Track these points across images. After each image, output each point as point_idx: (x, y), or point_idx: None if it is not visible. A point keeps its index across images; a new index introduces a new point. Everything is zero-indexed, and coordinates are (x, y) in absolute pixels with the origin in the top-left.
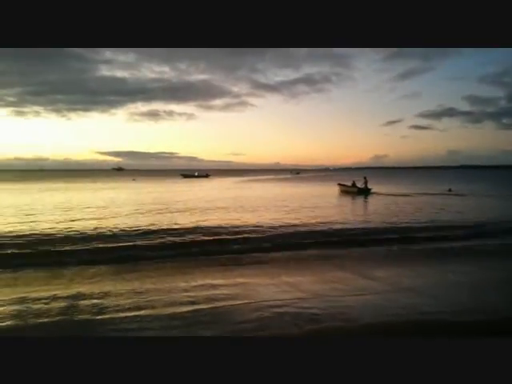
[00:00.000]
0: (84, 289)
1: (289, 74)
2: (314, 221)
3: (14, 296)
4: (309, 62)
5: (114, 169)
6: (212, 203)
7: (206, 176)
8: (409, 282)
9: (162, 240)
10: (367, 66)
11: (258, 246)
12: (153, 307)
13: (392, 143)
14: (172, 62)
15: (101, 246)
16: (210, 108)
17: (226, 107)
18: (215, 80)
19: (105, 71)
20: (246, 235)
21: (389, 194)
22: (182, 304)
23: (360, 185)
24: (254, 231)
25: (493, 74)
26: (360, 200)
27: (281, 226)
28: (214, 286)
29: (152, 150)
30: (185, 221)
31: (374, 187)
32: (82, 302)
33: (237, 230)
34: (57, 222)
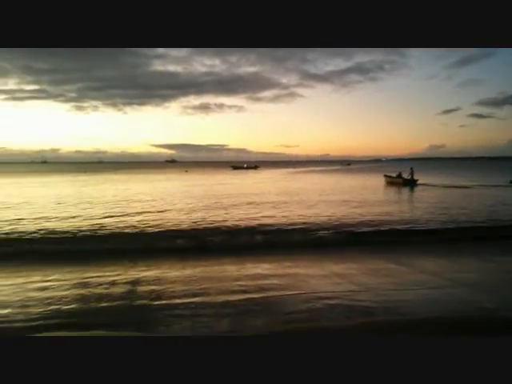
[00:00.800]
0: (143, 275)
1: (340, 63)
2: (361, 213)
3: (77, 281)
4: (361, 50)
5: (167, 161)
6: (266, 196)
7: (255, 167)
8: (468, 278)
9: (222, 231)
10: (423, 52)
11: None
12: (206, 294)
13: (449, 133)
14: (223, 55)
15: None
16: (259, 100)
17: (274, 99)
18: (264, 72)
19: (158, 66)
20: (298, 227)
21: (438, 186)
22: (233, 292)
23: (406, 176)
24: (304, 223)
25: None
26: (406, 191)
27: (330, 219)
28: (265, 276)
29: (203, 143)
30: (239, 213)
31: (423, 178)
32: (141, 287)
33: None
34: (137, 213)
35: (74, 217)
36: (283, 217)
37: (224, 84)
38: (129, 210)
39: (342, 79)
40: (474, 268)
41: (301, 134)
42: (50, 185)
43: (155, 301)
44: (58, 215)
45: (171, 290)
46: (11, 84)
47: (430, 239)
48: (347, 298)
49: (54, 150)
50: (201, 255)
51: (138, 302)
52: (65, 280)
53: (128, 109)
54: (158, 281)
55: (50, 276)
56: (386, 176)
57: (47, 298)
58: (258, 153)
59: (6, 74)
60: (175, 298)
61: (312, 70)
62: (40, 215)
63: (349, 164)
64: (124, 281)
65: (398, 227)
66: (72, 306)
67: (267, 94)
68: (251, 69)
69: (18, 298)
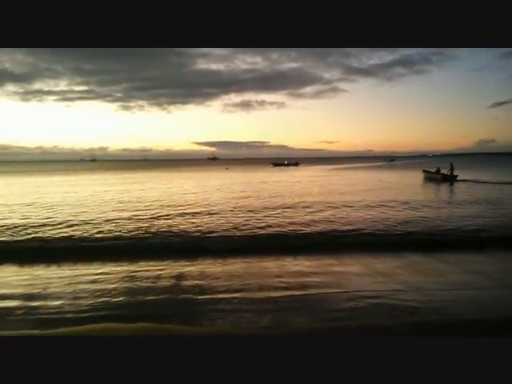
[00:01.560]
0: (187, 270)
1: (384, 57)
2: (405, 210)
3: (125, 274)
4: None
5: (208, 158)
6: (314, 196)
7: (296, 164)
8: None
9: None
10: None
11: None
12: (248, 290)
13: (501, 127)
14: (264, 52)
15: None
16: (300, 96)
17: (316, 94)
18: (306, 67)
19: (201, 64)
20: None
21: (479, 182)
22: (275, 289)
23: (446, 171)
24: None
25: None
26: (446, 187)
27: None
28: (306, 274)
29: (244, 140)
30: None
31: (466, 174)
32: (185, 282)
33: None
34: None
35: (129, 214)
36: (340, 218)
37: (265, 81)
38: (177, 211)
39: (386, 73)
40: None
41: (342, 129)
42: (109, 182)
43: (199, 295)
44: (120, 212)
45: (214, 285)
46: (62, 85)
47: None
48: (391, 297)
49: (103, 149)
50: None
51: (183, 295)
52: (113, 274)
53: (172, 108)
54: (201, 276)
55: (99, 269)
56: (424, 171)
57: (97, 291)
58: (298, 149)
59: (57, 76)
60: (218, 292)
61: (355, 64)
62: (105, 213)
63: (392, 160)
64: (169, 275)
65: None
66: (120, 298)
67: (309, 89)
68: (292, 65)
69: (69, 290)
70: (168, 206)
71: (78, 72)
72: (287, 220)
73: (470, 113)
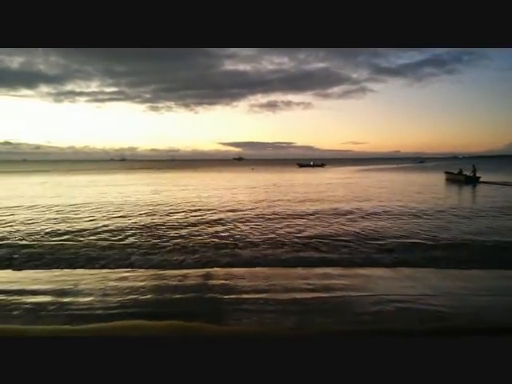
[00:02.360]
0: (214, 269)
1: (414, 56)
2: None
3: (153, 272)
4: None
5: (234, 158)
6: (348, 202)
7: (322, 165)
8: None
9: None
10: None
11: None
12: (274, 291)
13: None
14: (292, 52)
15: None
16: (327, 96)
17: (343, 94)
18: (334, 67)
19: (229, 65)
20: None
21: (504, 184)
22: (301, 290)
23: (468, 173)
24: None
25: None
26: (469, 189)
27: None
28: (333, 276)
29: (269, 140)
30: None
31: (492, 176)
32: (211, 281)
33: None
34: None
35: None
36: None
37: (292, 81)
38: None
39: (415, 72)
40: None
41: (370, 130)
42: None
43: (225, 294)
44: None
45: (240, 284)
46: (93, 87)
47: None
48: (419, 301)
49: (132, 149)
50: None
51: (209, 294)
52: (142, 271)
53: (199, 108)
54: (227, 275)
55: (128, 267)
56: (446, 173)
57: (126, 288)
58: (324, 150)
59: (88, 78)
60: (244, 292)
61: (384, 64)
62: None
63: (422, 161)
64: (196, 274)
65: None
66: (148, 296)
67: (336, 89)
68: (320, 65)
69: (99, 287)
70: (225, 211)
71: (109, 74)
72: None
73: (502, 113)
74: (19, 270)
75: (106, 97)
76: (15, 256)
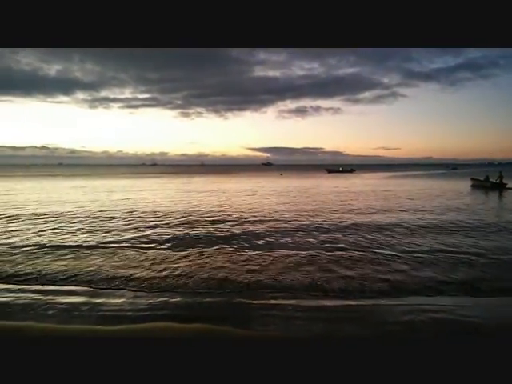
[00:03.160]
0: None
1: (448, 60)
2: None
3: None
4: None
5: (263, 164)
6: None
7: (351, 171)
8: None
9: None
10: None
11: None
12: (302, 298)
13: None
14: (322, 57)
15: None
16: (357, 101)
17: (374, 100)
18: (364, 72)
19: (259, 72)
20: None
21: None
22: (330, 297)
23: (495, 180)
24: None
25: None
26: (495, 196)
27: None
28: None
29: (298, 146)
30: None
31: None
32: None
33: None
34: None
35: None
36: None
37: (322, 86)
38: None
39: (449, 77)
40: None
41: (401, 135)
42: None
43: (254, 299)
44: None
45: (269, 290)
46: (127, 93)
47: None
48: (454, 312)
49: (163, 154)
50: None
51: (237, 299)
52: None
53: (229, 114)
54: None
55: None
56: (472, 179)
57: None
58: (354, 155)
59: (122, 84)
60: (272, 298)
61: (416, 69)
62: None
63: (455, 168)
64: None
65: None
66: (178, 298)
67: (366, 94)
68: (350, 70)
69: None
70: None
71: (142, 81)
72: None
73: None
74: None
75: (139, 103)
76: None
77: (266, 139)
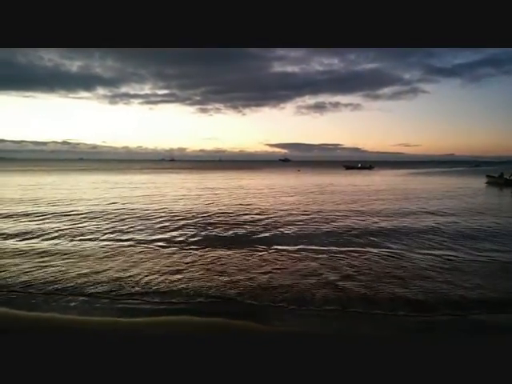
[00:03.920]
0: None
1: (470, 56)
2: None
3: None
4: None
5: (280, 160)
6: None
7: (370, 168)
8: None
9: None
10: None
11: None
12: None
13: None
14: (342, 53)
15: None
16: (377, 97)
17: (394, 95)
18: (385, 68)
19: (277, 67)
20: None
21: None
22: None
23: (508, 176)
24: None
25: None
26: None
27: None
28: None
29: (316, 142)
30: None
31: None
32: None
33: None
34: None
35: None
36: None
37: (341, 82)
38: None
39: (471, 73)
40: None
41: (422, 132)
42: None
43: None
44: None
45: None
46: (146, 89)
47: None
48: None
49: (181, 149)
50: None
51: (254, 297)
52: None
53: (247, 110)
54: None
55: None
56: (488, 176)
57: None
58: (372, 152)
59: (142, 81)
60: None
61: (437, 64)
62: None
63: (477, 165)
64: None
65: None
66: (197, 295)
67: (386, 90)
68: (370, 65)
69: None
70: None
71: (161, 77)
72: None
73: None
74: None
75: (158, 99)
76: None
77: (284, 135)
